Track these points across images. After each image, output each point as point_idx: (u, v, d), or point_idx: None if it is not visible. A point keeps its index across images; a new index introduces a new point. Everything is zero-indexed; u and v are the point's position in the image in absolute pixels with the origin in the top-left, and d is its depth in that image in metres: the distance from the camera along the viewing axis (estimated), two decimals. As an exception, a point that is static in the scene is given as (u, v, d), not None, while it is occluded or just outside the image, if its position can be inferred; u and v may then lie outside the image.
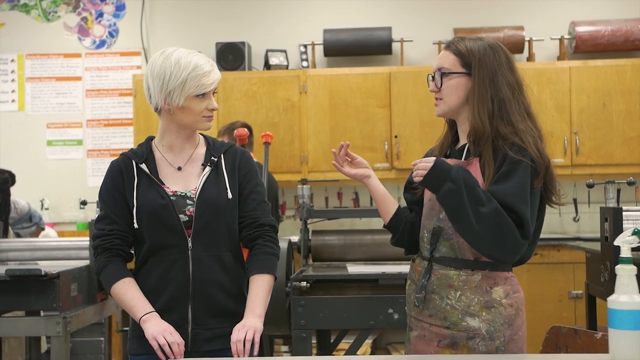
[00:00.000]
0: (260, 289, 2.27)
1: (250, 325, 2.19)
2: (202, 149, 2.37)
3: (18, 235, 4.91)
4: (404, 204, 2.42)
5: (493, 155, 2.11)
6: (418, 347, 2.19)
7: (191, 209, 2.27)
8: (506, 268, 2.16)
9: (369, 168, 2.35)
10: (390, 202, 2.34)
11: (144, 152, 2.34)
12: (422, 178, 2.06)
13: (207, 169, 2.32)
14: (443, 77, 2.19)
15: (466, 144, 2.21)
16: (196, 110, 2.28)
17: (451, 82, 2.19)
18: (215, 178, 2.31)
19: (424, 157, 2.35)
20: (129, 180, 2.29)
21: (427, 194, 2.24)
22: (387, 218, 2.33)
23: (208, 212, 2.27)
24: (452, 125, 2.30)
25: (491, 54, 2.18)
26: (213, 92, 2.31)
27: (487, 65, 2.16)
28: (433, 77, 2.23)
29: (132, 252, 2.35)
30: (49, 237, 5.40)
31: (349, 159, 2.35)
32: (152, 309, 2.22)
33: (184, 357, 2.18)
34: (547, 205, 2.22)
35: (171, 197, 2.27)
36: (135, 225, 2.27)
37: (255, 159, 4.81)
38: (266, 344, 4.29)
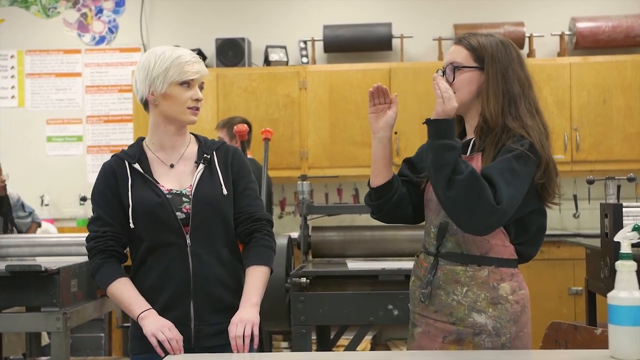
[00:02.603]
0: (257, 279, 2.28)
1: (247, 319, 2.20)
2: (193, 147, 2.37)
3: (15, 226, 4.92)
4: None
5: (495, 149, 2.11)
6: (422, 343, 2.19)
7: (187, 207, 2.27)
8: (512, 264, 2.15)
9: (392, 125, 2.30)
10: (387, 169, 2.27)
11: (136, 152, 2.34)
12: (442, 101, 2.04)
13: (201, 166, 2.32)
14: (456, 71, 2.19)
15: (472, 138, 2.20)
16: (180, 100, 2.27)
17: (464, 76, 2.18)
18: (209, 175, 2.32)
19: (422, 145, 2.36)
20: (123, 180, 2.29)
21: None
22: (380, 182, 2.26)
23: (205, 209, 2.27)
24: (459, 121, 2.29)
25: (503, 49, 2.18)
26: (200, 88, 2.31)
27: (499, 61, 2.16)
28: (444, 72, 2.23)
29: (126, 252, 2.35)
30: (48, 233, 5.40)
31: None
32: (150, 307, 2.22)
33: (187, 352, 2.18)
34: (547, 205, 2.21)
35: (167, 196, 2.27)
36: (132, 225, 2.26)
37: (250, 156, 4.84)
38: (266, 339, 4.30)
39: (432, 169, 2.04)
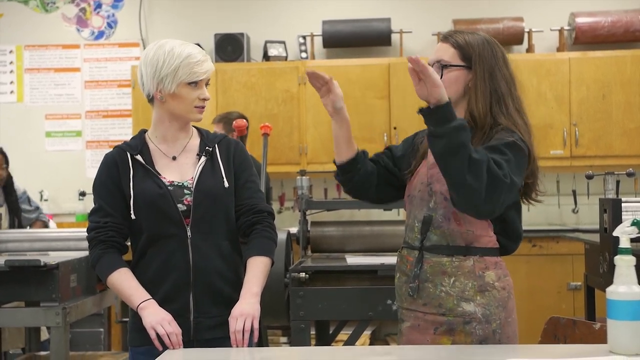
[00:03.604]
0: (257, 269, 2.29)
1: (248, 312, 2.20)
2: (196, 140, 2.38)
3: (19, 220, 4.93)
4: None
5: (481, 143, 2.12)
6: (411, 338, 2.20)
7: (189, 199, 2.28)
8: (495, 253, 2.18)
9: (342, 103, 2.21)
10: (348, 147, 2.25)
11: (138, 144, 2.34)
12: (429, 79, 1.93)
13: (203, 158, 2.33)
14: (443, 69, 2.20)
15: None
16: (188, 99, 2.28)
17: (451, 75, 2.19)
18: (211, 168, 2.33)
19: (406, 140, 2.39)
20: (125, 171, 2.30)
21: (416, 185, 2.24)
22: (343, 159, 2.26)
23: (206, 201, 2.28)
24: None
25: (489, 48, 2.20)
26: (206, 84, 2.32)
27: (486, 60, 2.18)
28: None
29: (127, 244, 2.36)
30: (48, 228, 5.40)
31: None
32: (150, 297, 2.22)
33: (186, 346, 2.19)
34: (526, 202, 2.23)
35: (168, 187, 2.28)
36: (133, 216, 2.27)
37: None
38: (263, 334, 4.30)
39: (447, 153, 1.94)
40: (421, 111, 1.98)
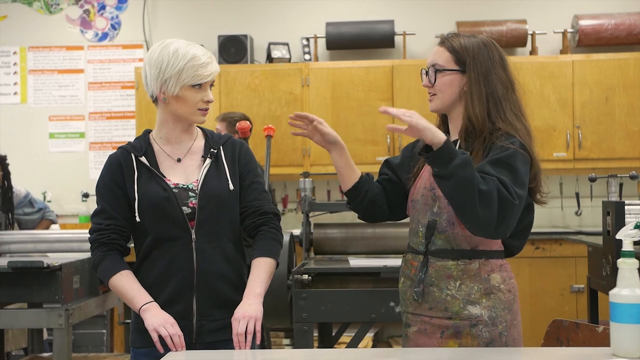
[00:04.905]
0: (262, 270, 2.28)
1: (250, 314, 2.19)
2: (200, 142, 2.37)
3: (19, 222, 4.92)
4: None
5: (484, 151, 2.12)
6: (419, 342, 2.20)
7: (194, 201, 2.27)
8: (500, 256, 2.19)
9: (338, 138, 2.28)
10: (351, 173, 2.28)
11: (143, 145, 2.33)
12: (419, 126, 1.95)
13: (208, 160, 2.32)
14: (437, 73, 2.21)
15: (456, 140, 2.21)
16: (191, 101, 2.27)
17: (445, 79, 2.20)
18: (215, 170, 2.32)
19: (406, 147, 2.40)
20: (129, 173, 2.29)
21: (419, 189, 2.24)
22: (346, 187, 2.29)
23: (211, 204, 2.27)
24: (444, 120, 2.30)
25: (485, 51, 2.19)
26: (210, 86, 2.31)
27: (480, 63, 2.18)
28: (427, 72, 2.24)
29: (130, 246, 2.35)
30: (51, 229, 5.41)
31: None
32: (152, 299, 2.22)
33: (189, 348, 2.18)
34: (536, 204, 2.24)
35: (173, 190, 2.27)
36: (137, 219, 2.26)
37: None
38: (266, 335, 4.30)
39: (457, 192, 1.96)
40: (420, 155, 2.01)
